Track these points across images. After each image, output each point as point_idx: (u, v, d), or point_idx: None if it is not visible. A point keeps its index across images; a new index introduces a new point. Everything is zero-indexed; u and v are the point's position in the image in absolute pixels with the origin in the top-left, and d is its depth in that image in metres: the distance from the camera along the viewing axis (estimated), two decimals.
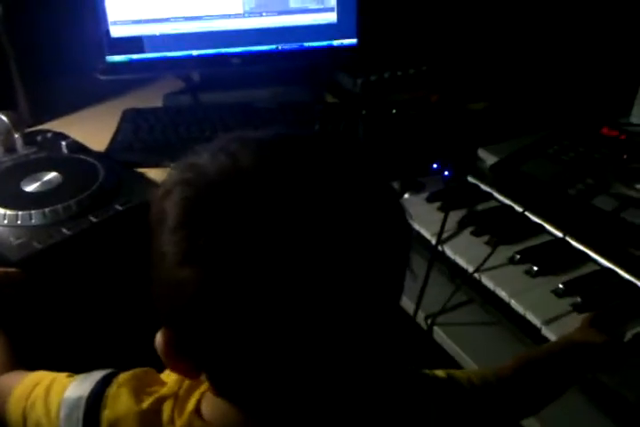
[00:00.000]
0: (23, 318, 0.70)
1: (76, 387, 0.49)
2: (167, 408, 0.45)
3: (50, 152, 0.94)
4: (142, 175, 0.90)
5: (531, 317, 0.67)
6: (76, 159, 0.91)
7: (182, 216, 0.36)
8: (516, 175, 0.87)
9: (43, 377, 0.53)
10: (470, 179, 0.90)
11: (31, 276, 0.72)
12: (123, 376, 0.48)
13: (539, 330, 0.66)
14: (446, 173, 0.90)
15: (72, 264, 0.76)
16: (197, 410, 0.45)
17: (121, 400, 0.46)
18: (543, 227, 0.80)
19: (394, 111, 1.06)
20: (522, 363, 0.59)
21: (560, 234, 0.78)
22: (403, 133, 1.01)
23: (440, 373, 0.54)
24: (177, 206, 0.37)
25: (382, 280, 0.39)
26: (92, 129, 1.06)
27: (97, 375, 0.49)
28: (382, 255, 0.38)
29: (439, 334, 0.72)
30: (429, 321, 0.73)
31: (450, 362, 0.70)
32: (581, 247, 0.75)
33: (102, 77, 1.07)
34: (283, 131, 0.41)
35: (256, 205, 0.35)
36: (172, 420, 0.45)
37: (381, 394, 0.47)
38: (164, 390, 0.47)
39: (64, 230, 0.77)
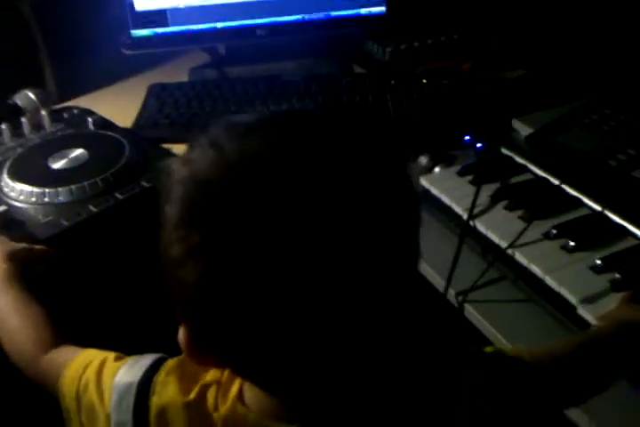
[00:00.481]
0: (54, 294, 0.71)
1: (127, 372, 0.50)
2: (211, 396, 0.46)
3: (76, 129, 0.94)
4: (169, 151, 0.90)
5: (566, 293, 0.64)
6: (102, 136, 0.91)
7: (179, 216, 0.38)
8: (552, 146, 0.83)
9: (93, 357, 0.54)
10: (504, 151, 0.87)
11: (60, 253, 0.72)
12: (170, 363, 0.50)
13: (574, 307, 0.63)
14: (479, 145, 0.87)
15: (99, 241, 0.77)
16: (240, 396, 0.46)
17: (169, 388, 0.47)
18: (581, 200, 0.76)
19: (424, 81, 1.03)
20: (571, 346, 0.58)
21: (599, 208, 0.75)
22: (433, 104, 0.98)
23: (489, 349, 0.53)
24: (174, 207, 0.38)
25: (387, 271, 0.38)
26: (119, 105, 1.06)
27: (145, 361, 0.50)
28: (383, 250, 0.38)
29: (470, 312, 0.70)
30: (460, 298, 0.71)
31: (482, 340, 0.68)
32: (621, 221, 0.72)
33: (127, 52, 1.06)
34: (274, 110, 0.41)
35: (245, 200, 0.36)
36: (216, 406, 0.46)
37: (421, 371, 0.47)
38: (207, 377, 0.47)
39: (91, 207, 0.77)
